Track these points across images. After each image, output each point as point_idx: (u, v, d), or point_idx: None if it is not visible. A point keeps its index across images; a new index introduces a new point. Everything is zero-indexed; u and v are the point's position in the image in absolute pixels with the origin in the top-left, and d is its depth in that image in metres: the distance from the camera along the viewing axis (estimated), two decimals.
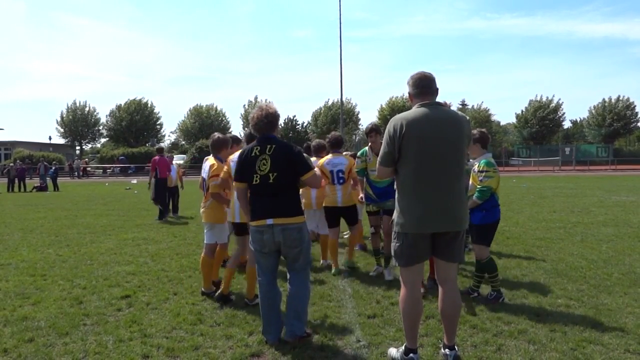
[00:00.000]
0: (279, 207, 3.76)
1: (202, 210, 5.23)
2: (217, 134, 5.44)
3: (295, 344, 3.74)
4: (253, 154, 3.82)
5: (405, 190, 3.29)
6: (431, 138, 3.20)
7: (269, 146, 3.80)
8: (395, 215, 3.39)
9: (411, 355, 3.34)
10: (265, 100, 65.35)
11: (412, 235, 3.26)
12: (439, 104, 3.36)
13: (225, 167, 4.90)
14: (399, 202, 3.35)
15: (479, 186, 4.68)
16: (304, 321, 3.83)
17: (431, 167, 3.20)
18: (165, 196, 11.80)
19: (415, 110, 3.30)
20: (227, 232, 5.42)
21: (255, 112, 3.87)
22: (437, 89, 3.39)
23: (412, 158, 3.22)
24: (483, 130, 4.92)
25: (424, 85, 3.34)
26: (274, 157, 3.76)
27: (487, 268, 4.82)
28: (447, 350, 3.40)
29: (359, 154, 5.98)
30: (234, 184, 4.13)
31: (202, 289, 5.15)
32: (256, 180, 3.79)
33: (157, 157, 11.86)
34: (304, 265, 3.87)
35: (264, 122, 3.84)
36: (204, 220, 5.20)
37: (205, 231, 5.24)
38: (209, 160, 5.17)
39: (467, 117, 3.43)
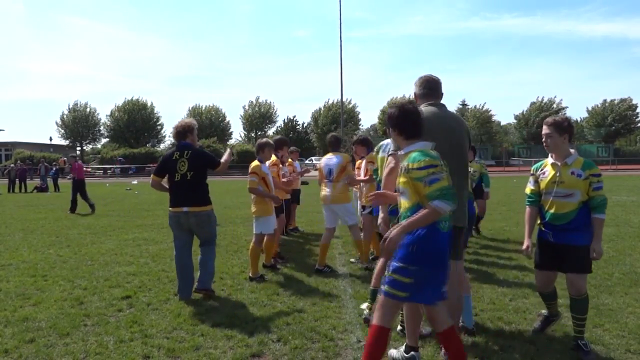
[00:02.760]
0: (192, 198, 4.97)
1: (252, 204, 6.06)
2: (265, 139, 6.35)
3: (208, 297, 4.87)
4: (174, 158, 5.01)
5: None
6: (439, 135, 3.27)
7: (186, 152, 4.99)
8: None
9: (412, 353, 3.35)
10: (266, 101, 65.59)
11: None
12: (442, 104, 3.48)
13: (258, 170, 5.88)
14: None
15: (599, 196, 3.49)
16: (210, 278, 5.10)
17: None
18: (77, 195, 13.82)
19: (425, 108, 3.40)
20: (273, 224, 6.07)
21: (175, 125, 5.15)
22: (442, 94, 3.54)
23: None
24: (567, 117, 3.85)
25: (430, 87, 3.51)
26: (191, 160, 4.96)
27: (586, 306, 3.65)
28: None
29: (376, 148, 4.77)
30: (152, 175, 5.24)
31: (250, 275, 5.78)
32: (177, 178, 4.97)
33: (74, 162, 14.50)
34: (211, 240, 5.16)
35: (178, 131, 5.06)
36: (253, 214, 6.00)
37: (253, 223, 6.00)
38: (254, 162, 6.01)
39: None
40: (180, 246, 5.11)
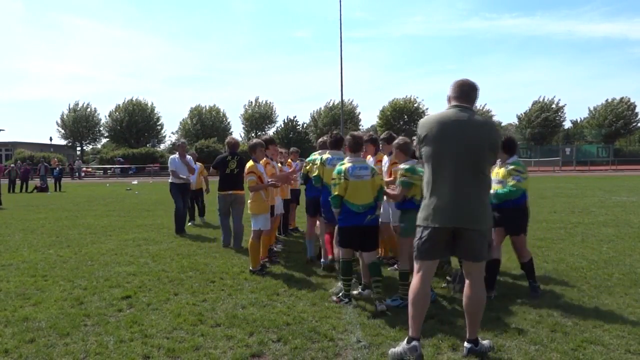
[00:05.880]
0: (235, 185, 7.95)
1: (248, 202, 6.41)
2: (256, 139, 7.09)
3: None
4: (227, 159, 8.01)
5: (427, 186, 3.51)
6: (450, 138, 3.37)
7: (235, 156, 8.04)
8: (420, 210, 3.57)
9: (414, 343, 3.42)
10: (266, 101, 65.83)
11: (431, 229, 3.42)
12: (468, 108, 3.47)
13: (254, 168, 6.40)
14: (423, 198, 3.57)
15: None
16: (241, 240, 7.86)
17: (448, 166, 3.38)
18: None
19: (443, 112, 3.51)
20: (269, 221, 6.49)
21: (231, 140, 8.38)
22: (475, 98, 3.53)
23: (432, 156, 3.44)
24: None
25: (462, 90, 3.51)
26: (238, 162, 7.93)
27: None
28: (466, 343, 3.53)
29: (319, 160, 6.03)
30: (212, 168, 8.40)
31: (251, 268, 6.14)
32: (227, 171, 7.93)
33: None
34: (241, 214, 8.02)
35: (232, 144, 8.23)
36: (249, 212, 6.34)
37: (251, 220, 6.31)
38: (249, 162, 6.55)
39: (496, 126, 3.55)
40: (224, 215, 8.08)
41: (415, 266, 3.57)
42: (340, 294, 4.91)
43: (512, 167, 4.85)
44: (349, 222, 4.75)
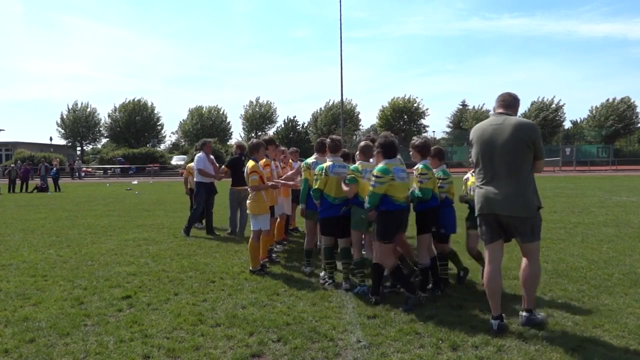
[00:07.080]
0: (244, 181, 6.91)
1: (248, 202, 6.38)
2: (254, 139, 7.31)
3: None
4: (242, 159, 8.69)
5: (476, 182, 4.14)
6: (486, 141, 3.96)
7: (245, 157, 8.42)
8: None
9: (492, 321, 3.96)
10: (266, 101, 65.83)
11: (480, 216, 4.07)
12: (505, 114, 3.99)
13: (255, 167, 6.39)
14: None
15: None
16: (244, 228, 8.68)
17: (487, 164, 3.98)
18: None
19: (485, 120, 4.12)
20: (269, 221, 6.43)
21: (242, 144, 9.09)
22: (514, 105, 4.07)
23: (475, 156, 4.09)
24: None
25: (501, 100, 4.09)
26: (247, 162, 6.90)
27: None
28: (523, 312, 4.07)
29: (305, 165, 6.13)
30: (224, 167, 9.28)
31: (251, 268, 6.14)
32: (244, 170, 6.84)
33: None
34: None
35: (243, 147, 9.12)
36: (249, 212, 6.29)
37: (251, 220, 6.30)
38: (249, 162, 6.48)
39: (532, 125, 3.95)
40: (234, 209, 8.85)
41: (485, 252, 4.13)
42: (325, 277, 5.58)
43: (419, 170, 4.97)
44: (328, 214, 5.51)
